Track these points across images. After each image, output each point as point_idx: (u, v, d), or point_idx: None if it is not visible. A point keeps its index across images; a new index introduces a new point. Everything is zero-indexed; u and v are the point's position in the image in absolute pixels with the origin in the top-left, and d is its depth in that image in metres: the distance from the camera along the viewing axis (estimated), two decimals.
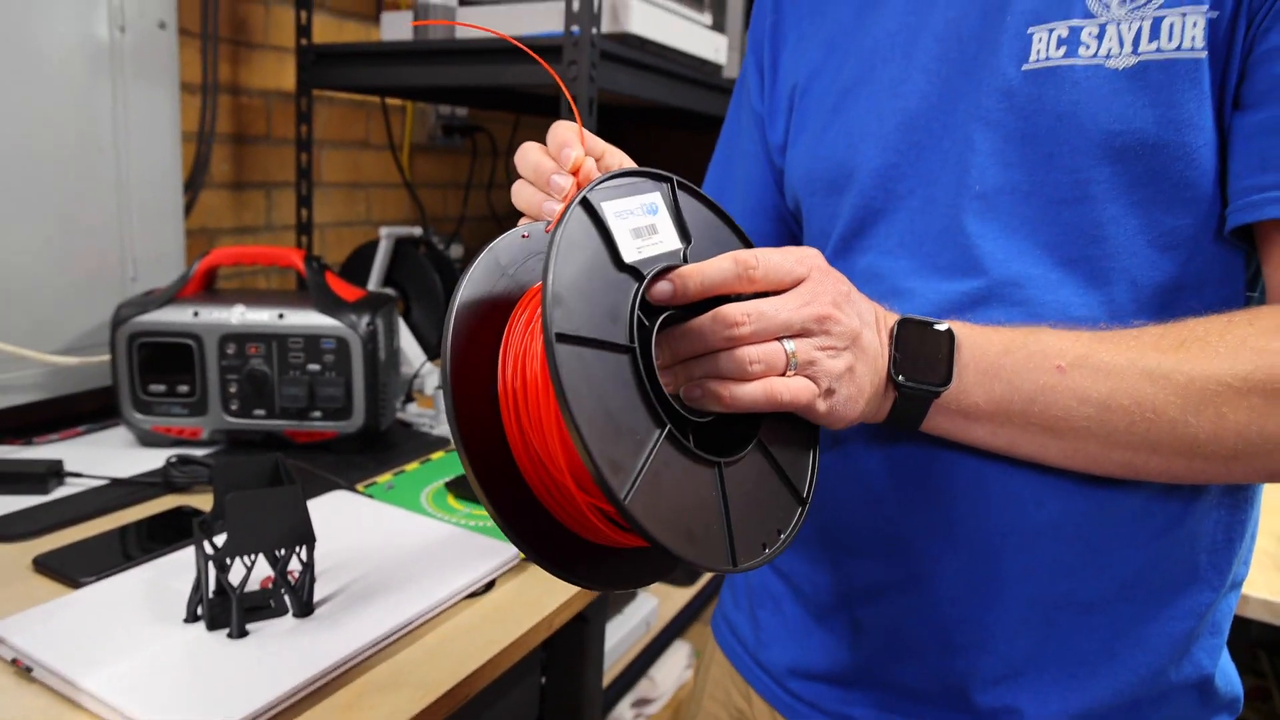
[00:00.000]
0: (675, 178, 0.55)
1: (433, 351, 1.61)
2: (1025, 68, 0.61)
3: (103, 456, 1.13)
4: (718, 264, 0.52)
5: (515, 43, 0.64)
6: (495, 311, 0.52)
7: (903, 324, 0.59)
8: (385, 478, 1.11)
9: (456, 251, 2.10)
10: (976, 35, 0.64)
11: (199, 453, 1.13)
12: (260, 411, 1.16)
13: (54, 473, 1.02)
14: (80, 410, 1.30)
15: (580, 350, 0.45)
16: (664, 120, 2.34)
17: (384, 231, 1.60)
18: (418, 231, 1.67)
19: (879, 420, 0.61)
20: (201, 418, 1.16)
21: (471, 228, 2.23)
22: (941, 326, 0.58)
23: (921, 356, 0.58)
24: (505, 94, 1.89)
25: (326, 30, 1.77)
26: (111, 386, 1.16)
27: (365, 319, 1.15)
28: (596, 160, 0.58)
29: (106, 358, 1.19)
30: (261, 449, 1.18)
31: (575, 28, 1.20)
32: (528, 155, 0.57)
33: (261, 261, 1.23)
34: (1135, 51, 0.58)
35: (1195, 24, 0.57)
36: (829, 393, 0.54)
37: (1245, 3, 0.56)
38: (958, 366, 0.58)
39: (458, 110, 2.10)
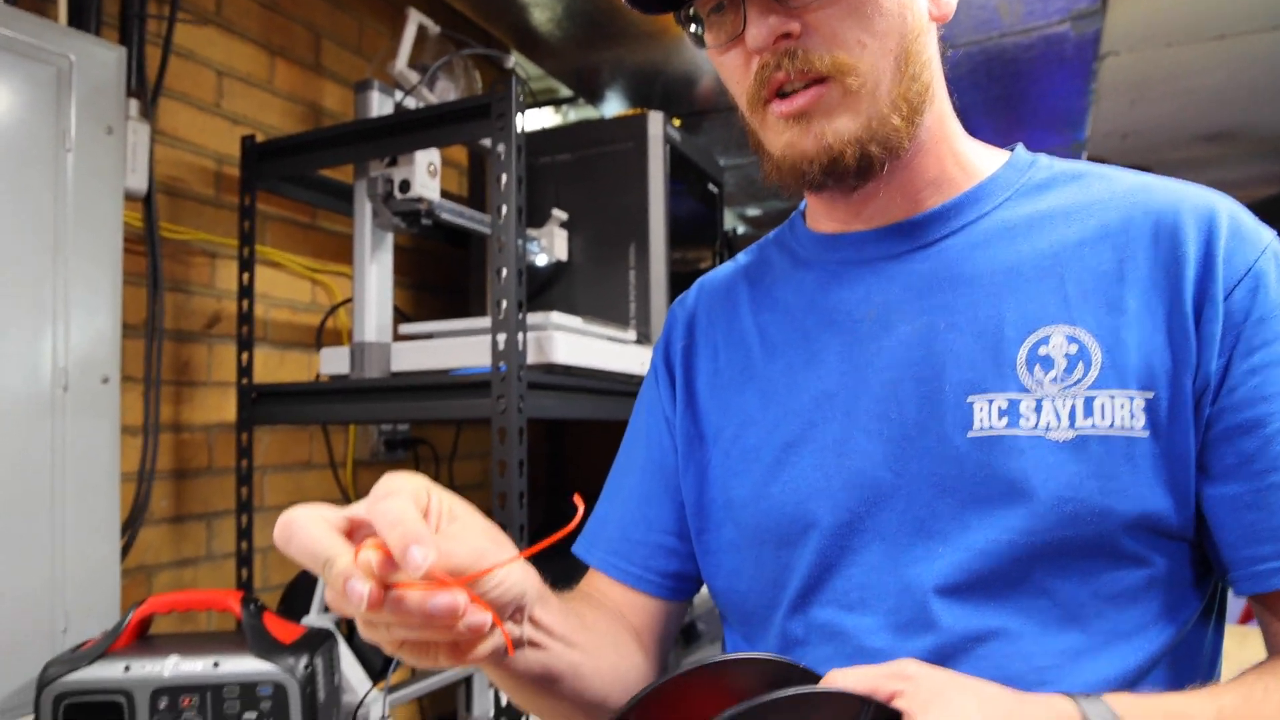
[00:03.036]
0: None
1: (377, 675, 1.57)
2: (970, 435, 0.66)
3: None
4: None
5: None
6: None
7: None
8: None
9: None
10: (915, 400, 0.69)
11: None
12: None
13: None
14: None
15: None
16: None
17: None
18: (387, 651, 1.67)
19: None
20: None
21: None
22: None
23: None
24: None
25: (268, 362, 1.85)
26: None
27: (303, 661, 1.13)
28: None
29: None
30: None
31: (502, 364, 1.29)
32: (305, 537, 0.49)
33: (197, 607, 1.23)
34: (1073, 426, 0.64)
35: (1124, 406, 0.63)
36: None
37: (1187, 384, 0.62)
38: None
39: (399, 425, 2.17)
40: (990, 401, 0.66)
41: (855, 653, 0.68)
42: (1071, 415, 0.64)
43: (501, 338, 1.30)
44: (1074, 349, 0.65)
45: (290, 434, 1.91)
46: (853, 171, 0.68)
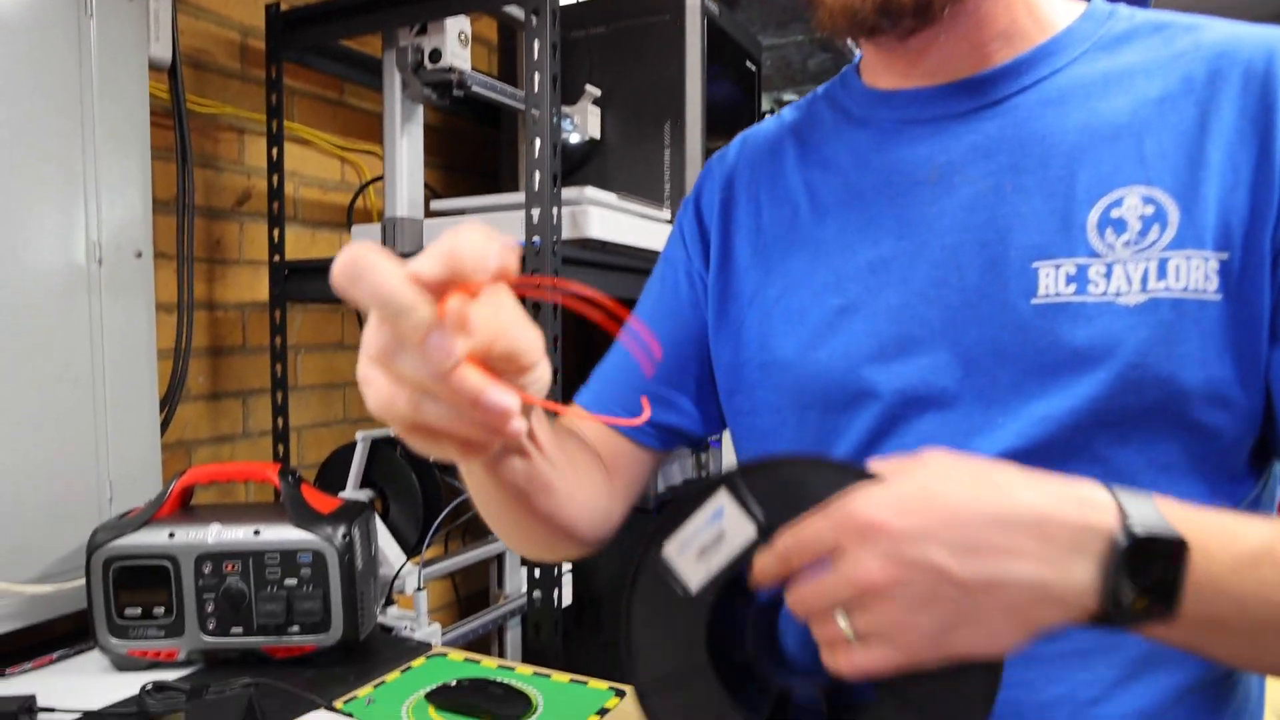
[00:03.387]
0: (734, 474, 0.53)
1: (411, 550, 1.61)
2: (1034, 302, 0.63)
3: (77, 686, 1.11)
4: (763, 566, 0.50)
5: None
6: None
7: (1136, 547, 0.46)
8: (365, 691, 1.09)
9: None
10: (977, 266, 0.65)
11: (175, 675, 1.11)
12: (237, 629, 1.15)
13: (25, 709, 0.99)
14: (55, 634, 1.28)
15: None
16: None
17: (360, 435, 1.63)
18: (393, 431, 1.69)
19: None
20: (178, 638, 1.15)
21: None
22: (1174, 535, 0.47)
23: (1150, 587, 0.47)
24: None
25: (299, 241, 1.84)
26: (86, 609, 1.15)
27: (341, 530, 1.15)
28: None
29: (81, 582, 1.18)
30: (239, 667, 1.16)
31: (536, 238, 1.27)
32: (378, 276, 0.38)
33: (237, 478, 1.24)
34: (1144, 289, 0.60)
35: (1199, 267, 0.59)
36: (941, 636, 0.46)
37: (1265, 241, 0.59)
38: (1185, 591, 0.48)
39: None
40: (1057, 267, 0.62)
41: None
42: (1144, 278, 0.60)
43: (536, 212, 1.27)
44: (1149, 210, 0.61)
45: (323, 314, 1.91)
46: (909, 11, 0.63)
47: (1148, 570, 0.46)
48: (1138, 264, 0.61)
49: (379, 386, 0.43)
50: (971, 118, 0.69)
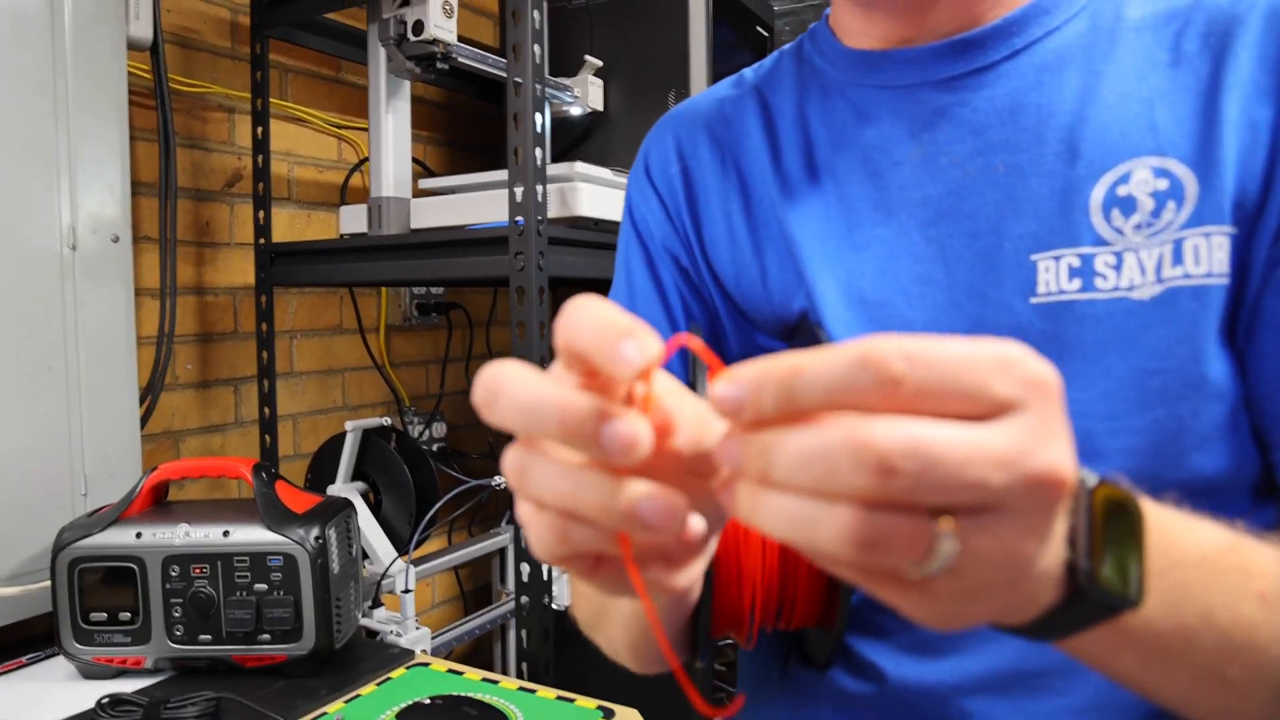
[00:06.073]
0: None
1: (403, 546, 1.54)
2: (1034, 300, 0.54)
3: (39, 694, 1.05)
4: (830, 360, 0.29)
5: None
6: None
7: (1108, 502, 0.35)
8: (335, 707, 1.02)
9: (439, 430, 2.06)
10: (967, 260, 0.56)
11: (142, 684, 1.06)
12: (206, 636, 1.09)
13: None
14: (27, 635, 1.23)
15: None
16: None
17: (350, 425, 1.56)
18: (386, 421, 1.63)
19: (1009, 622, 0.36)
20: (144, 646, 1.09)
21: (451, 403, 2.20)
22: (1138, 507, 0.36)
23: (1119, 554, 0.35)
24: None
25: (293, 222, 1.77)
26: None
27: (314, 532, 1.09)
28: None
29: (48, 584, 1.13)
30: (208, 677, 1.10)
31: (519, 218, 1.19)
32: (522, 386, 0.31)
33: (209, 474, 1.18)
34: (1159, 279, 0.51)
35: (1220, 245, 0.51)
36: (967, 595, 0.32)
37: (1275, 212, 0.50)
38: (1150, 575, 0.37)
39: (432, 289, 2.10)
40: (1058, 259, 0.53)
41: None
42: (1158, 265, 0.51)
43: (519, 190, 1.19)
44: (1163, 184, 0.52)
45: (321, 297, 1.85)
46: None
47: (1122, 538, 0.35)
48: (1151, 250, 0.52)
49: (541, 525, 0.33)
50: (959, 86, 0.59)
